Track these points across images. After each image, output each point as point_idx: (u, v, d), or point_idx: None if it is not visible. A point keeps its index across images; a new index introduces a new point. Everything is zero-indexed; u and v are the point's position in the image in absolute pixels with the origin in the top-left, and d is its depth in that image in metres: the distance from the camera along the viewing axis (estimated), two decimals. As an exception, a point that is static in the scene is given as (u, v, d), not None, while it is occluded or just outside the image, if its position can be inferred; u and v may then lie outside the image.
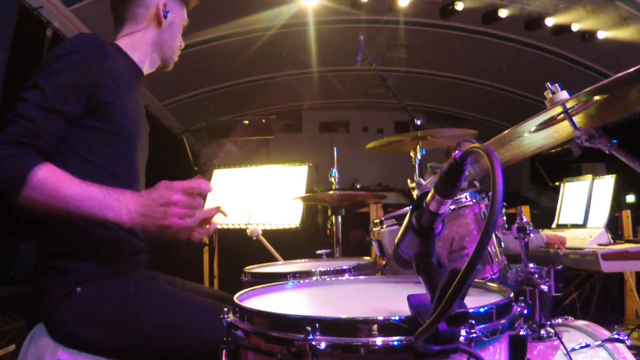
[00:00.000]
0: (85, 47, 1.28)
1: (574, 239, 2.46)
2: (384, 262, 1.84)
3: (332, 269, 1.54)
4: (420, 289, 0.76)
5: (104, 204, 1.14)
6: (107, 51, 1.32)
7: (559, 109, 1.20)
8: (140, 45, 1.46)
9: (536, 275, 1.39)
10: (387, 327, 0.70)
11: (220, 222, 2.86)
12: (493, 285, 1.00)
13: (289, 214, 2.73)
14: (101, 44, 1.32)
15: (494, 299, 0.88)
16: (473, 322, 0.70)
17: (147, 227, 1.16)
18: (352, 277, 1.31)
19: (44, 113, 1.18)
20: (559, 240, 2.51)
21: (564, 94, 1.23)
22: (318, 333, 0.71)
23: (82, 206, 1.13)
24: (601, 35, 7.15)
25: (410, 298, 0.73)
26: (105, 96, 1.29)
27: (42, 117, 1.17)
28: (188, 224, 1.17)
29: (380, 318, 0.71)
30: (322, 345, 0.70)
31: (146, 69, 1.50)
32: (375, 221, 1.78)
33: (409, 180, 2.16)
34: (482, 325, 0.74)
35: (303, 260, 2.00)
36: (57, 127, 1.22)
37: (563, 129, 1.37)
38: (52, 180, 1.13)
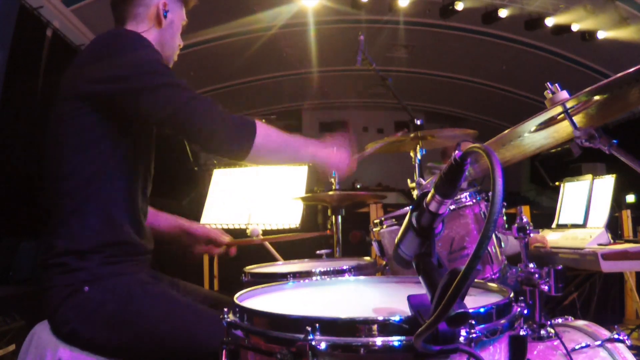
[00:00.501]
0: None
1: (574, 239, 2.46)
2: (384, 262, 1.84)
3: (332, 269, 1.54)
4: (420, 289, 0.76)
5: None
6: None
7: (559, 109, 1.20)
8: None
9: (536, 275, 1.39)
10: (387, 327, 0.70)
11: (220, 222, 2.86)
12: (493, 285, 1.00)
13: (289, 214, 2.73)
14: None
15: (494, 299, 0.88)
16: (473, 322, 0.70)
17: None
18: (352, 277, 1.31)
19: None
20: (541, 239, 2.56)
21: (564, 94, 1.22)
22: (318, 333, 0.71)
23: (293, 156, 1.43)
24: (601, 35, 7.14)
25: (410, 298, 0.73)
26: None
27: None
28: None
29: (380, 318, 0.71)
30: (322, 345, 0.70)
31: None
32: (375, 221, 1.77)
33: (409, 180, 2.15)
34: (482, 325, 0.74)
35: (303, 260, 2.00)
36: None
37: (563, 129, 1.37)
38: (270, 130, 1.35)
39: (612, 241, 2.34)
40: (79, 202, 1.28)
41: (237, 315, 0.85)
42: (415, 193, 2.02)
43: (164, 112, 1.26)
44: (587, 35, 7.23)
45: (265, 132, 1.33)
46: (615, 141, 1.17)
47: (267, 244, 2.20)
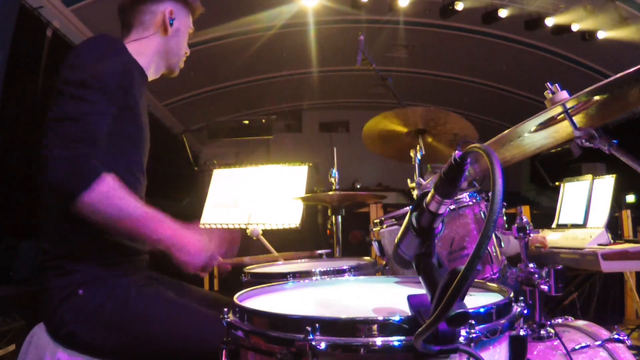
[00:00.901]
0: (121, 48, 1.34)
1: (574, 239, 2.46)
2: (384, 262, 1.84)
3: (332, 269, 1.54)
4: (420, 289, 0.76)
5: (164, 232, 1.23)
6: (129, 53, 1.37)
7: (559, 109, 1.20)
8: (146, 52, 1.46)
9: (536, 275, 1.39)
10: (387, 327, 0.70)
11: (220, 222, 2.86)
12: (493, 285, 1.00)
13: (289, 214, 2.73)
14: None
15: (494, 299, 0.88)
16: (473, 322, 0.70)
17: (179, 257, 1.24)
18: (352, 277, 1.31)
19: (100, 117, 1.20)
20: (541, 239, 2.56)
21: (564, 94, 1.22)
22: (318, 333, 0.71)
23: (141, 228, 1.20)
24: (601, 35, 7.14)
25: (410, 298, 0.73)
26: (131, 99, 1.31)
27: (99, 121, 1.20)
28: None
29: (380, 318, 0.71)
30: (322, 345, 0.70)
31: (151, 75, 1.51)
32: (375, 221, 1.78)
33: (409, 180, 2.15)
34: (482, 325, 0.74)
35: (303, 260, 2.00)
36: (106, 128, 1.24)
37: (563, 129, 1.37)
38: (117, 194, 1.16)
39: (612, 241, 2.34)
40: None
41: (237, 315, 0.85)
42: (415, 193, 2.02)
43: (68, 124, 1.18)
44: (587, 35, 7.22)
45: (107, 190, 1.14)
46: (615, 141, 1.16)
47: (264, 241, 2.20)
